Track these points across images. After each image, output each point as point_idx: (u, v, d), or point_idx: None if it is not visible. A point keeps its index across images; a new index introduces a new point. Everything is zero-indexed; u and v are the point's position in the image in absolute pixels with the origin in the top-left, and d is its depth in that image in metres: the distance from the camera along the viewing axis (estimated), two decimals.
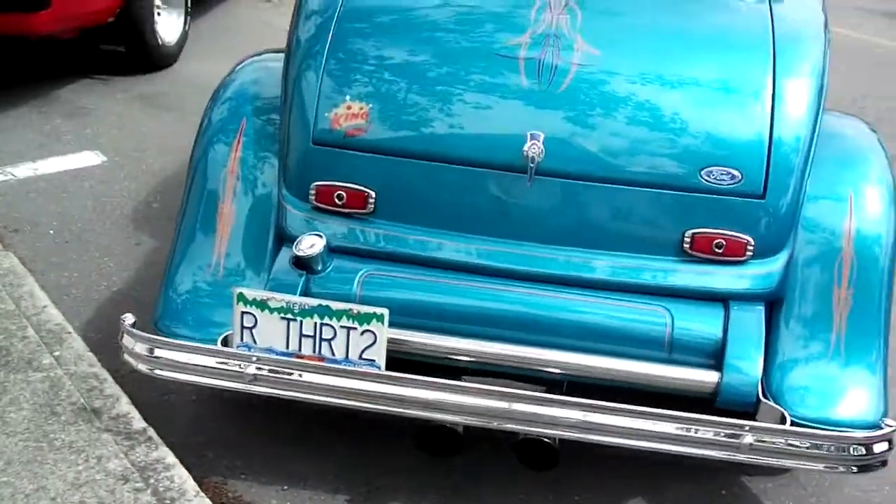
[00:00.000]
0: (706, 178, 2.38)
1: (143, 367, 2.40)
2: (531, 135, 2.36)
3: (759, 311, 2.41)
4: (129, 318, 2.42)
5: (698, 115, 2.44)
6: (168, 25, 6.30)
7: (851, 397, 2.39)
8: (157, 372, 2.40)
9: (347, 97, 2.50)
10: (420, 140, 2.47)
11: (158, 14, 6.14)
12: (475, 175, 2.44)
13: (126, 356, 2.43)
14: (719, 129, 2.42)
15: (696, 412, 2.24)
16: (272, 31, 7.52)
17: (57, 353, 2.83)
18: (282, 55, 3.00)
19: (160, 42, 6.18)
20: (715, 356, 2.36)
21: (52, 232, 4.06)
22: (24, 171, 4.66)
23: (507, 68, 2.46)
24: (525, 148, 2.35)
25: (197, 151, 2.76)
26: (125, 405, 2.65)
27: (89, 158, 4.86)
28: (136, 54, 6.09)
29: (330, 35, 2.57)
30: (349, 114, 2.49)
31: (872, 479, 2.74)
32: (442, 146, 2.45)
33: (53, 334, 2.93)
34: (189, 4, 6.55)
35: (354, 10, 2.62)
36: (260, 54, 3.08)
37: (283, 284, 2.44)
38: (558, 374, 2.42)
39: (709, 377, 2.35)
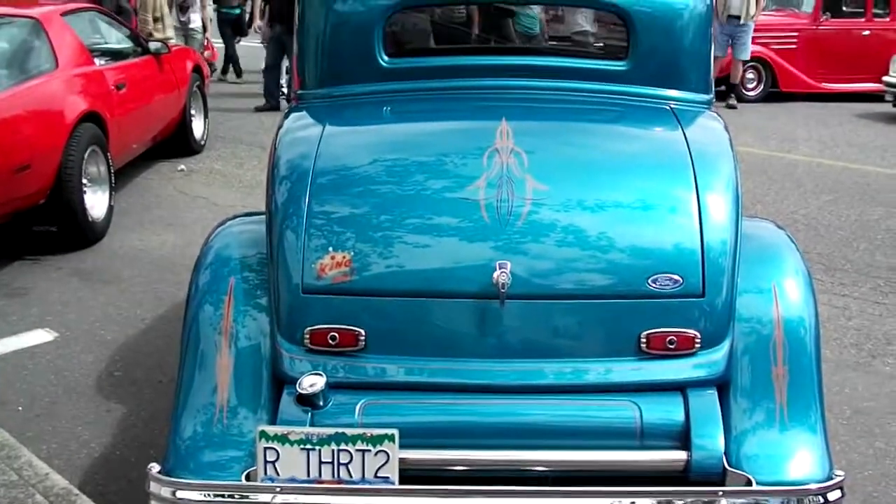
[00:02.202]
0: (653, 284, 2.75)
1: None
2: (499, 264, 2.69)
3: (713, 393, 2.76)
4: (155, 467, 2.63)
5: (639, 232, 2.82)
6: (95, 202, 6.55)
7: (802, 457, 2.72)
8: None
9: (330, 248, 2.80)
10: (400, 279, 2.78)
11: (85, 192, 6.38)
12: (452, 305, 2.75)
13: (156, 503, 2.62)
14: (658, 241, 2.80)
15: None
16: (188, 198, 7.87)
17: None
18: (252, 217, 3.33)
19: (90, 218, 6.41)
20: (681, 437, 2.69)
21: (20, 409, 4.19)
22: None
23: (469, 209, 2.80)
24: (494, 276, 2.68)
25: (190, 314, 2.97)
26: None
27: (41, 336, 5.01)
28: (68, 232, 6.31)
29: (307, 195, 2.88)
30: (333, 263, 2.79)
31: None
32: (420, 283, 2.77)
33: (62, 497, 3.09)
34: (113, 181, 6.82)
35: (326, 170, 2.95)
36: (232, 218, 3.36)
37: (290, 422, 2.68)
38: (545, 471, 2.71)
39: (678, 456, 2.67)
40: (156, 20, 11.03)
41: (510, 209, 2.79)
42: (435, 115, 3.37)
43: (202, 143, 9.70)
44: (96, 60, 7.21)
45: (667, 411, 2.72)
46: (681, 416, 2.70)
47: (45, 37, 6.49)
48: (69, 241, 6.36)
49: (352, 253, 2.78)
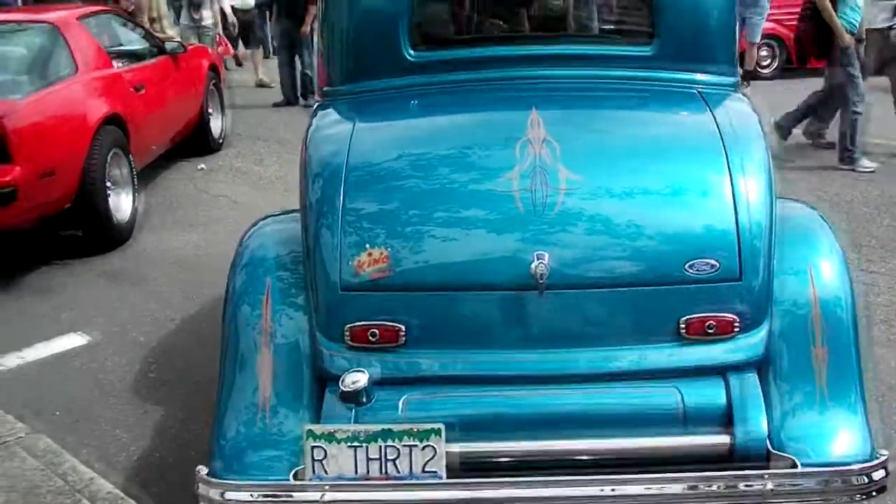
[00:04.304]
0: (690, 270, 2.75)
1: None
2: (536, 255, 2.70)
3: (754, 376, 2.76)
4: (203, 469, 2.65)
5: (674, 218, 2.82)
6: (119, 204, 6.60)
7: (845, 438, 2.73)
8: None
9: (367, 245, 2.81)
10: (438, 274, 2.79)
11: (109, 195, 6.42)
12: (491, 297, 2.76)
13: None
14: (694, 226, 2.80)
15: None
16: (210, 197, 7.90)
17: None
18: (284, 215, 3.35)
19: (115, 221, 6.45)
20: (723, 421, 2.70)
21: (58, 413, 4.22)
22: (12, 360, 4.83)
23: (504, 200, 2.81)
24: (532, 267, 2.69)
25: (228, 315, 2.99)
26: None
27: (74, 340, 5.06)
28: (94, 235, 6.36)
29: (342, 192, 2.89)
30: (371, 259, 2.80)
31: None
32: (459, 277, 2.78)
33: (109, 502, 3.13)
34: (136, 182, 6.86)
35: (359, 166, 2.95)
36: (264, 219, 3.37)
37: (334, 419, 2.70)
38: (589, 459, 2.72)
39: (722, 439, 2.68)
40: (153, 21, 11.02)
41: (545, 199, 2.80)
42: (464, 108, 3.36)
43: (220, 141, 9.74)
44: (114, 63, 7.24)
45: (708, 395, 2.73)
46: (723, 400, 2.71)
47: (64, 41, 6.53)
48: (96, 244, 6.42)
49: (389, 249, 2.79)
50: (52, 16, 6.84)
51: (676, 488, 2.53)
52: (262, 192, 8.01)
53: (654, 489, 2.52)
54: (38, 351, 4.92)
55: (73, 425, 4.10)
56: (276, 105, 12.30)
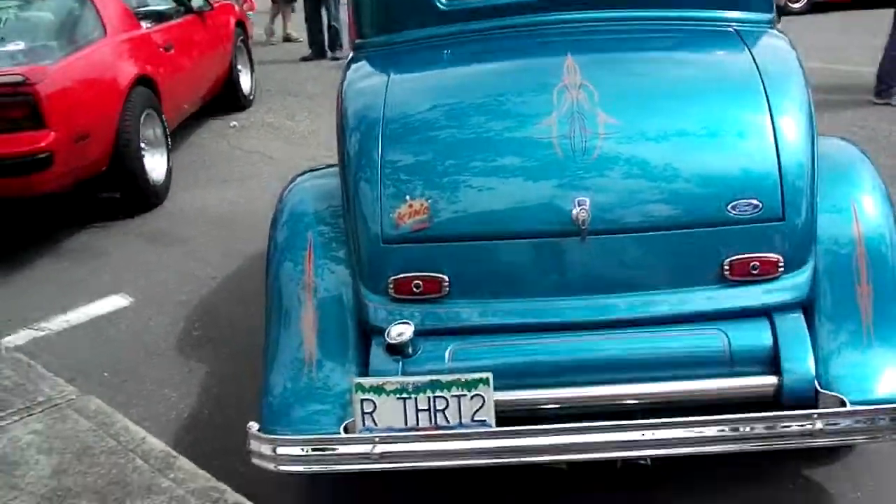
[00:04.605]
0: (732, 211, 2.73)
1: (271, 467, 2.65)
2: (578, 201, 2.69)
3: (800, 316, 2.75)
4: (254, 426, 2.69)
5: (714, 158, 2.80)
6: (154, 165, 6.63)
7: (892, 375, 2.71)
8: (283, 467, 2.64)
9: (407, 196, 2.81)
10: (479, 223, 2.78)
11: (143, 156, 6.45)
12: (533, 245, 2.76)
13: (256, 460, 2.68)
14: (735, 166, 2.77)
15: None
16: (243, 154, 7.92)
17: (172, 476, 3.07)
18: (321, 171, 3.36)
19: (150, 182, 6.49)
20: (770, 362, 2.68)
21: (106, 374, 4.28)
22: (57, 323, 4.88)
23: (543, 147, 2.79)
24: (574, 213, 2.68)
25: (272, 271, 3.02)
26: None
27: (116, 301, 5.10)
28: (131, 197, 6.40)
29: (379, 145, 2.89)
30: (412, 211, 2.80)
31: None
32: (500, 225, 2.77)
33: (161, 460, 3.16)
34: (169, 142, 6.88)
35: (396, 118, 2.95)
36: (301, 174, 3.38)
37: (381, 372, 2.72)
38: (636, 404, 2.73)
39: (769, 381, 2.67)
40: None
41: (584, 144, 2.78)
42: (499, 55, 3.33)
43: (251, 97, 9.74)
44: (142, 23, 7.23)
45: (754, 337, 2.71)
46: (769, 341, 2.70)
47: (91, 4, 6.51)
48: (133, 206, 6.46)
49: (429, 199, 2.79)
50: None
51: (716, 431, 2.52)
52: (295, 147, 8.02)
53: (695, 432, 2.52)
54: (82, 313, 4.98)
55: (122, 385, 4.16)
56: (303, 59, 12.26)
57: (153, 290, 5.19)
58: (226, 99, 9.17)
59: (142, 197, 6.44)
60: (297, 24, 13.98)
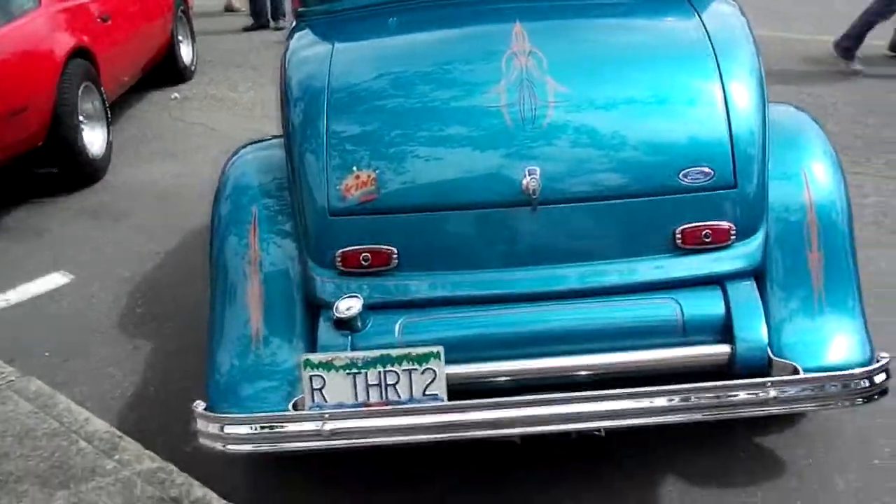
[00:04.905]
0: (684, 179, 2.70)
1: (219, 446, 2.59)
2: (528, 170, 2.65)
3: (751, 284, 2.73)
4: (200, 405, 2.62)
5: (665, 126, 2.76)
6: (93, 139, 6.48)
7: (844, 342, 2.71)
8: (231, 447, 2.59)
9: (354, 167, 2.74)
10: (428, 194, 2.73)
11: (82, 129, 6.28)
12: (484, 216, 2.71)
13: (203, 440, 2.62)
14: (686, 134, 2.74)
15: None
16: (185, 126, 7.78)
17: (117, 457, 3.00)
18: (265, 142, 3.28)
19: (90, 156, 6.33)
20: (723, 331, 2.67)
21: (47, 354, 4.17)
22: None
23: (492, 115, 2.74)
24: (524, 183, 2.64)
25: (216, 246, 2.94)
26: (198, 489, 2.84)
27: (57, 279, 4.97)
28: (70, 171, 6.24)
29: (325, 115, 2.81)
30: (358, 182, 2.74)
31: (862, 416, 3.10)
32: (449, 196, 2.72)
33: (106, 441, 3.09)
34: (109, 115, 6.72)
35: (341, 88, 2.88)
36: (244, 147, 3.30)
37: (330, 347, 2.66)
38: (589, 375, 2.70)
39: (722, 350, 2.65)
40: None
41: (534, 113, 2.73)
42: (446, 22, 3.27)
43: (192, 68, 9.55)
44: None
45: (707, 305, 2.70)
46: (721, 310, 2.68)
47: None
48: (72, 181, 6.30)
49: (376, 170, 2.73)
50: None
51: (666, 401, 2.51)
52: (238, 119, 7.88)
53: (646, 403, 2.50)
54: (21, 292, 4.85)
55: (64, 365, 4.06)
56: (246, 29, 12.03)
57: (95, 267, 5.07)
58: (166, 70, 8.97)
59: (81, 172, 6.28)
60: None
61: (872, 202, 5.23)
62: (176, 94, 8.79)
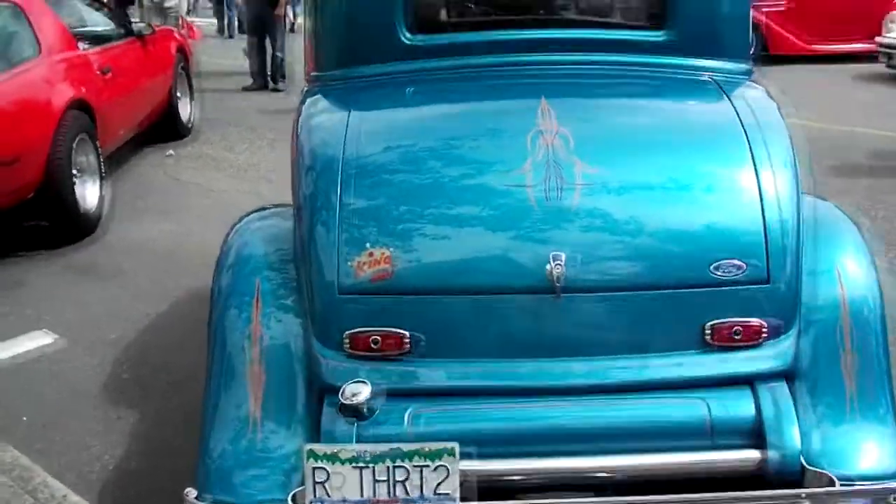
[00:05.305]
0: (716, 272, 2.55)
1: None
2: (552, 256, 2.49)
3: (783, 385, 2.58)
4: (192, 492, 2.44)
5: (698, 215, 2.63)
6: (86, 192, 6.35)
7: (878, 450, 2.56)
8: None
9: (367, 244, 2.59)
10: (446, 276, 2.57)
11: (75, 183, 6.14)
12: (503, 302, 2.55)
13: None
14: (719, 224, 2.61)
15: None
16: (180, 185, 7.68)
17: None
18: (270, 210, 3.13)
19: (82, 210, 6.19)
20: (754, 435, 2.50)
21: (25, 419, 3.97)
22: None
23: (516, 197, 2.60)
24: (548, 269, 2.48)
25: (215, 319, 2.78)
26: None
27: (40, 338, 4.79)
28: (61, 225, 6.09)
29: (338, 187, 2.67)
30: (372, 260, 2.58)
31: None
32: (467, 279, 2.56)
33: None
34: (103, 170, 6.58)
35: (357, 159, 2.73)
36: (248, 214, 3.15)
37: (333, 434, 2.48)
38: (611, 477, 2.52)
39: (753, 455, 2.49)
40: None
41: (560, 195, 2.59)
42: (468, 96, 3.14)
43: (189, 126, 9.47)
44: (79, 45, 6.94)
45: (737, 407, 2.54)
46: (752, 412, 2.52)
47: (27, 21, 6.25)
48: (62, 235, 6.15)
49: (391, 249, 2.58)
50: None
51: None
52: (234, 180, 7.78)
53: None
54: (1, 351, 4.64)
55: (42, 433, 3.85)
56: (245, 89, 12.03)
57: (81, 327, 4.89)
58: (164, 127, 8.89)
59: (72, 226, 6.13)
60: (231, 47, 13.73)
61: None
62: (171, 152, 8.70)
